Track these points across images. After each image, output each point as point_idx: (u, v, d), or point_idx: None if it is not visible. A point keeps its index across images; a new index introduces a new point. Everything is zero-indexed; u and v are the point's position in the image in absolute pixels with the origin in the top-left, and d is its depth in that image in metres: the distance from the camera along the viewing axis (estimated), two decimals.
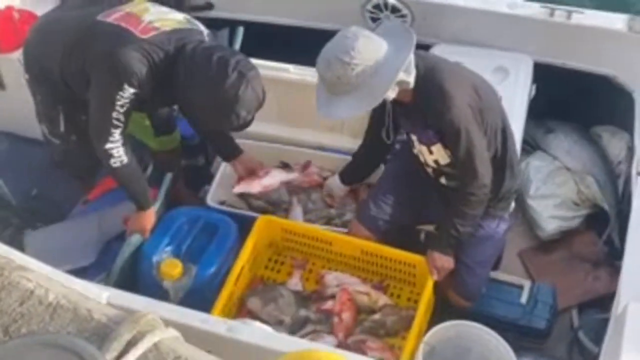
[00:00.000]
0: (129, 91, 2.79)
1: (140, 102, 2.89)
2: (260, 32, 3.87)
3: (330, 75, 2.68)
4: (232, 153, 3.44)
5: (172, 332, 1.42)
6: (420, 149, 2.98)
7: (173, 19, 3.00)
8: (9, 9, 3.85)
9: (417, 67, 2.74)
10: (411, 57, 2.69)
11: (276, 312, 3.11)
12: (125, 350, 1.32)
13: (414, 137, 2.98)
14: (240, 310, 3.18)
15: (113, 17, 2.94)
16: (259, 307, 3.14)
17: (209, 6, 4.13)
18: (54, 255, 2.93)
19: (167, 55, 2.86)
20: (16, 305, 1.42)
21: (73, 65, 2.96)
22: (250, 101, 2.83)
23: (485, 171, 2.85)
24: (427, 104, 2.78)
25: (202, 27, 3.05)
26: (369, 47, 2.66)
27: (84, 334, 1.36)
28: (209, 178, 3.75)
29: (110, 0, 3.07)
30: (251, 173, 3.46)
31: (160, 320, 1.43)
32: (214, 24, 4.06)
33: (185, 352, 1.37)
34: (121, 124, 2.85)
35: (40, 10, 3.89)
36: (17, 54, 3.71)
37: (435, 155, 2.93)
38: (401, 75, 2.67)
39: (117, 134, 2.86)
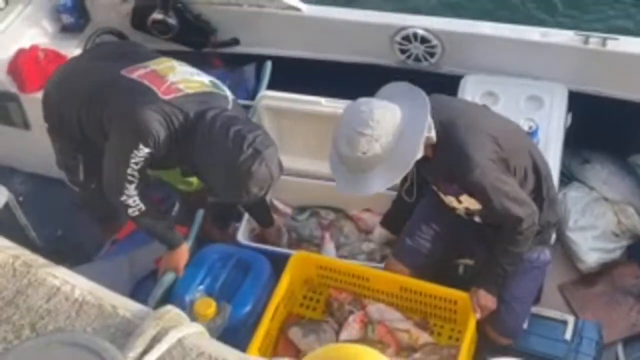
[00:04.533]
0: (144, 150, 2.74)
1: (154, 161, 2.83)
2: (288, 66, 3.82)
3: (352, 152, 2.59)
4: (264, 222, 3.44)
5: (197, 328, 1.40)
6: (447, 199, 2.92)
7: (198, 81, 2.93)
8: (34, 48, 3.83)
9: (434, 123, 2.66)
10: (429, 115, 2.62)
11: (316, 344, 3.02)
12: (149, 347, 1.32)
13: (435, 188, 2.93)
14: (277, 344, 3.11)
15: (137, 73, 2.89)
16: (299, 338, 3.08)
17: (235, 42, 4.08)
18: None
19: (187, 119, 2.80)
20: (43, 302, 1.45)
21: (91, 115, 2.92)
22: (263, 179, 2.75)
23: (528, 210, 2.76)
24: (448, 163, 2.70)
25: (227, 92, 2.98)
26: (386, 115, 2.58)
27: (109, 329, 1.37)
28: (235, 213, 3.68)
29: (136, 56, 3.02)
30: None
31: (184, 315, 1.39)
32: (240, 60, 4.06)
33: (208, 347, 1.36)
34: (135, 180, 2.80)
35: (65, 49, 3.90)
36: (42, 94, 3.69)
37: (464, 203, 2.86)
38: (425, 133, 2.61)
39: (132, 188, 2.82)
